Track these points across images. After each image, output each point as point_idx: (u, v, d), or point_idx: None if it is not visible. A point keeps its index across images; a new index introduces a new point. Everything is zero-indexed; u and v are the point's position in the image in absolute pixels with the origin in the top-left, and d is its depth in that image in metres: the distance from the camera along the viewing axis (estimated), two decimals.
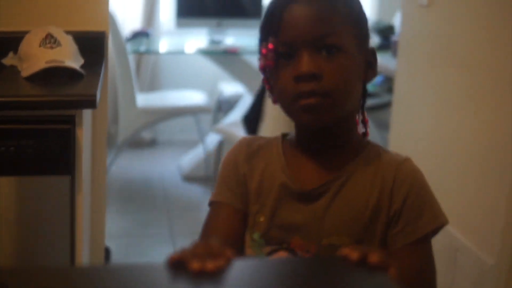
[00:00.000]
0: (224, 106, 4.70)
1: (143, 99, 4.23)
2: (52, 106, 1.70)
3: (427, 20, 2.63)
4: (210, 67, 4.62)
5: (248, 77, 4.15)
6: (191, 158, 4.69)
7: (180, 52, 4.47)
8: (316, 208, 1.12)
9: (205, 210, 3.84)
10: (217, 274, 0.78)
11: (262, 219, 1.16)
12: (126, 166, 4.65)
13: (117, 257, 3.11)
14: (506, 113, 2.09)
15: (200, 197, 4.34)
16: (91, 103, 1.70)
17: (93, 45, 2.18)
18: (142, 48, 4.24)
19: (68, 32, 2.10)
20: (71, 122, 1.71)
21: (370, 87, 4.29)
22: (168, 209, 4.09)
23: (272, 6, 1.12)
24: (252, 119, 3.32)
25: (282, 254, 1.13)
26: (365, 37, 1.15)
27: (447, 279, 2.37)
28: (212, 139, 4.42)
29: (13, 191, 1.79)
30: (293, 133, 1.20)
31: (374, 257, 0.85)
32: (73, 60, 1.99)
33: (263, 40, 1.11)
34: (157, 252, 3.30)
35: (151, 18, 4.77)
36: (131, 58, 4.07)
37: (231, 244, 1.13)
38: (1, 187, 1.78)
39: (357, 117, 1.18)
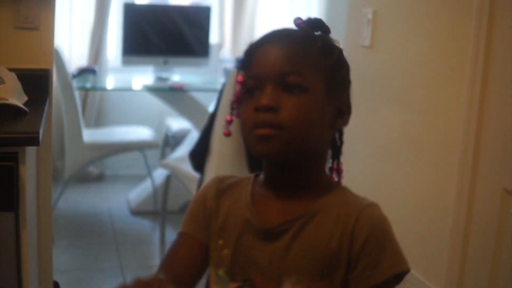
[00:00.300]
0: (171, 141, 4.73)
1: (90, 135, 4.24)
2: None
3: (370, 60, 2.69)
4: (156, 103, 4.66)
5: (194, 113, 4.20)
6: (139, 192, 4.70)
7: (127, 89, 4.51)
8: (276, 247, 1.14)
9: (154, 244, 3.84)
10: None
11: (226, 252, 1.18)
12: (74, 201, 4.63)
13: None
14: (446, 151, 2.17)
15: (149, 231, 4.34)
16: (34, 140, 1.73)
17: (37, 82, 2.22)
18: (88, 84, 4.26)
19: (12, 70, 2.12)
20: (14, 159, 1.73)
21: None
22: (117, 243, 4.08)
23: (250, 45, 1.17)
24: (199, 155, 3.36)
25: None
26: (340, 86, 1.17)
27: None
28: (160, 174, 4.44)
29: None
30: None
31: None
32: (17, 97, 2.02)
33: (238, 73, 1.17)
34: (107, 286, 3.30)
35: (98, 55, 4.80)
36: (77, 94, 4.09)
37: (189, 273, 1.19)
38: None
39: (333, 164, 1.22)
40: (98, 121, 5.02)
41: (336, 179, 1.23)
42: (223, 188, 1.23)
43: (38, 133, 1.73)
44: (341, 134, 1.22)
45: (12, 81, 2.06)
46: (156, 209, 4.42)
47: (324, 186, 1.18)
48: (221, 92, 3.27)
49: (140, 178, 4.90)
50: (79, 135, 4.02)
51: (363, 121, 2.67)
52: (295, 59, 1.11)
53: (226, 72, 4.25)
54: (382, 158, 2.57)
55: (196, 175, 3.50)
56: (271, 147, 1.10)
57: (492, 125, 2.06)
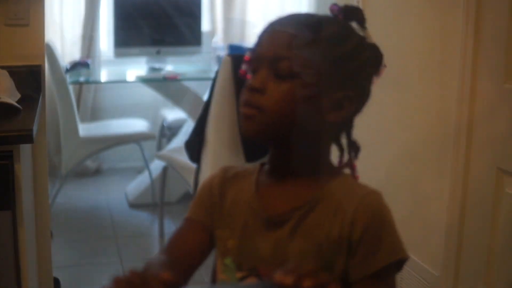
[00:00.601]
0: (167, 132, 4.74)
1: (86, 129, 4.24)
2: None
3: None
4: (151, 94, 4.66)
5: (189, 102, 4.20)
6: (137, 185, 4.71)
7: (121, 81, 4.50)
8: (280, 235, 1.14)
9: (153, 236, 3.85)
10: None
11: (232, 243, 1.19)
12: (72, 196, 4.64)
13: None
14: (440, 132, 2.19)
15: (148, 224, 4.36)
16: (28, 138, 1.73)
17: (29, 79, 2.21)
18: (82, 78, 4.26)
19: (3, 67, 2.12)
20: (9, 158, 1.73)
21: None
22: (116, 236, 4.09)
23: (263, 28, 1.18)
24: (194, 145, 3.36)
25: (252, 280, 1.15)
26: (343, 79, 1.16)
27: None
28: (157, 165, 4.44)
29: None
30: None
31: (307, 282, 0.88)
32: (10, 95, 2.02)
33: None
34: (108, 280, 3.31)
35: (90, 48, 4.79)
36: (72, 89, 4.08)
37: (191, 258, 1.20)
38: None
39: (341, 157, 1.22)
40: (94, 115, 5.02)
41: (353, 171, 1.23)
42: (229, 177, 1.24)
43: (31, 130, 1.73)
44: (349, 129, 1.22)
45: (4, 79, 2.06)
46: (154, 201, 4.44)
47: (327, 174, 1.19)
48: (214, 80, 3.27)
49: (137, 170, 4.91)
50: (75, 130, 4.02)
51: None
52: (290, 45, 1.11)
53: (219, 59, 4.24)
54: (379, 138, 2.59)
55: (192, 165, 3.51)
56: (251, 126, 1.13)
57: (485, 105, 2.06)
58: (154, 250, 3.94)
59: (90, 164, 5.10)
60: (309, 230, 1.14)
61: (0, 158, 1.74)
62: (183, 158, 3.58)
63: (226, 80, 3.14)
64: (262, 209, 1.17)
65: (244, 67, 1.18)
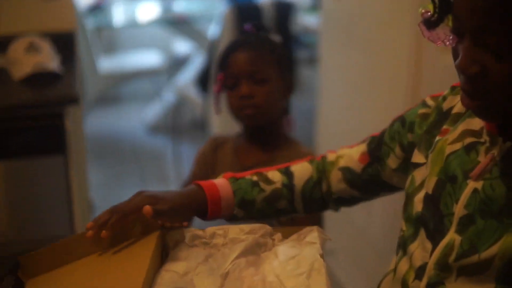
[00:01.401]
0: (177, 63, 5.19)
1: (104, 64, 4.70)
2: (46, 106, 2.27)
3: (340, 12, 3.03)
4: (162, 30, 5.10)
5: (197, 39, 4.64)
6: (153, 111, 5.19)
7: (134, 24, 4.91)
8: None
9: (168, 157, 4.36)
10: None
11: None
12: (94, 123, 5.10)
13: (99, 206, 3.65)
14: (400, 88, 2.57)
15: (164, 147, 4.84)
16: (75, 101, 2.26)
17: (64, 43, 2.70)
18: (99, 21, 4.68)
19: (42, 34, 2.59)
20: (60, 117, 2.27)
21: (307, 39, 4.79)
22: (137, 160, 4.62)
23: (224, 53, 1.72)
24: (203, 81, 3.86)
25: None
26: (285, 69, 1.73)
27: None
28: (170, 93, 4.94)
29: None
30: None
31: None
32: (53, 62, 2.51)
33: (218, 72, 1.73)
34: None
35: None
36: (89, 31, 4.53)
37: None
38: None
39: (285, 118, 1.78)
40: (111, 47, 5.47)
41: (289, 127, 1.79)
42: (216, 145, 1.82)
43: (77, 95, 2.25)
44: (287, 98, 1.79)
45: (48, 49, 2.53)
46: (168, 126, 4.93)
47: (281, 138, 1.77)
48: (221, 21, 3.75)
49: (151, 97, 5.38)
50: (95, 68, 4.49)
51: (336, 63, 3.11)
52: (258, 61, 1.68)
53: None
54: (352, 92, 3.01)
55: (199, 100, 4.01)
56: (254, 120, 1.70)
57: (430, 62, 2.43)
58: (170, 169, 4.43)
59: (109, 92, 5.57)
60: None
61: (53, 117, 2.27)
62: (193, 92, 4.08)
63: (231, 24, 3.63)
64: (239, 163, 1.73)
65: (218, 83, 1.71)
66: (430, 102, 1.25)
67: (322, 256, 1.11)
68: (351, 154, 1.38)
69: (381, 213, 2.70)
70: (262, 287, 1.05)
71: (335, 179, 1.38)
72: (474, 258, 1.00)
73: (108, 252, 1.16)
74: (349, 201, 1.41)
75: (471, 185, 1.05)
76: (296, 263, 1.09)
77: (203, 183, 1.29)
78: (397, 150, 1.30)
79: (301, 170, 1.39)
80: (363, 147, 1.38)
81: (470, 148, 1.09)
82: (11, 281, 1.16)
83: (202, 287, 1.03)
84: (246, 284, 1.05)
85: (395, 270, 1.21)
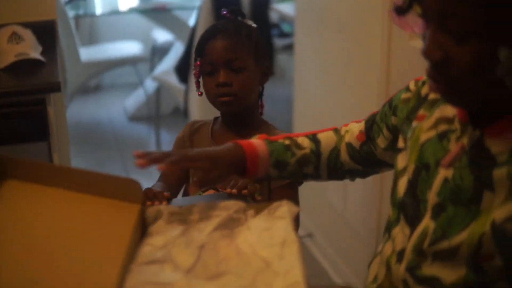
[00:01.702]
0: (158, 52, 5.24)
1: (86, 53, 4.73)
2: (29, 93, 2.32)
3: None
4: (142, 19, 5.14)
5: (177, 29, 4.68)
6: (134, 100, 5.24)
7: (115, 12, 4.93)
8: None
9: (150, 145, 4.41)
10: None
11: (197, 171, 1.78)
12: (76, 111, 5.16)
13: None
14: (373, 71, 2.64)
15: (145, 134, 4.92)
16: (57, 88, 2.32)
17: (45, 32, 2.75)
18: (80, 11, 4.71)
19: (22, 24, 2.63)
20: (42, 103, 2.32)
21: (287, 28, 4.86)
22: (118, 147, 4.67)
23: (201, 39, 1.73)
24: (182, 69, 3.92)
25: (211, 192, 1.71)
26: (262, 56, 1.73)
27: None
28: (151, 83, 4.99)
29: None
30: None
31: (245, 191, 1.44)
32: (35, 51, 2.56)
33: (195, 59, 1.74)
34: None
35: None
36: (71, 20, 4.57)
37: (175, 185, 1.77)
38: None
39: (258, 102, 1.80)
40: (92, 38, 5.52)
41: (261, 110, 1.82)
42: (194, 129, 1.83)
43: (59, 83, 2.31)
44: (262, 85, 1.81)
45: (30, 37, 2.58)
46: (150, 114, 4.99)
47: (257, 122, 1.79)
48: (199, 9, 3.81)
49: (134, 87, 5.42)
50: (77, 56, 4.52)
51: (312, 44, 3.17)
52: (234, 49, 1.68)
53: None
54: (326, 77, 3.07)
55: (181, 86, 4.07)
56: (231, 107, 1.72)
57: (401, 46, 2.49)
58: None
59: (91, 81, 5.60)
60: None
61: (35, 104, 2.32)
62: (173, 80, 4.13)
63: (208, 13, 3.69)
64: (215, 147, 1.76)
65: (196, 69, 1.72)
66: (412, 86, 1.30)
67: (294, 228, 1.17)
68: (353, 131, 1.48)
69: (359, 197, 2.77)
70: (237, 257, 1.12)
71: (343, 153, 1.48)
72: (445, 244, 1.06)
73: (92, 208, 1.22)
74: (359, 174, 1.51)
75: (442, 173, 1.10)
76: (269, 235, 1.16)
77: (242, 142, 1.40)
78: (385, 131, 1.37)
79: (327, 139, 1.49)
80: (362, 125, 1.47)
81: (442, 136, 1.14)
82: None
83: (179, 258, 1.10)
84: (221, 253, 1.12)
85: (381, 252, 1.28)
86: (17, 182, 1.24)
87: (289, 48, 4.54)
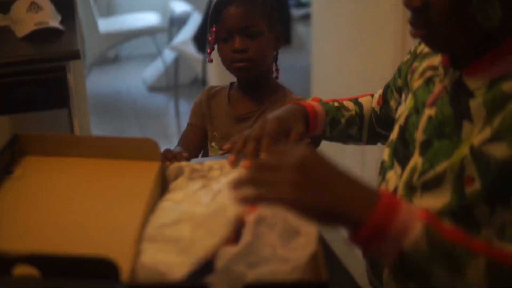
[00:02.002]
0: (176, 23, 5.26)
1: (104, 24, 4.77)
2: (49, 60, 2.36)
3: None
4: None
5: None
6: (153, 71, 5.28)
7: None
8: (245, 126, 1.75)
9: (169, 115, 4.47)
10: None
11: (216, 134, 1.82)
12: (94, 82, 5.23)
13: None
14: (389, 40, 2.66)
15: (164, 104, 4.97)
16: (76, 56, 2.35)
17: (63, 3, 2.78)
18: None
19: None
20: (63, 70, 2.36)
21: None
22: (137, 117, 4.73)
23: (217, 5, 1.74)
24: (200, 38, 3.94)
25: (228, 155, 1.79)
26: (276, 22, 1.77)
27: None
28: (169, 53, 5.02)
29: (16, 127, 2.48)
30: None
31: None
32: (54, 20, 2.60)
33: (211, 25, 1.75)
34: None
35: None
36: None
37: (195, 147, 1.84)
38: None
39: (273, 67, 1.83)
40: (109, 9, 5.54)
41: (277, 75, 1.85)
42: (211, 94, 1.87)
43: (78, 51, 2.34)
44: (276, 50, 1.83)
45: (48, 6, 2.62)
46: (169, 84, 5.03)
47: (272, 87, 1.82)
48: None
49: (152, 57, 5.46)
50: (95, 27, 4.56)
51: (329, 14, 3.19)
52: (250, 15, 1.71)
53: None
54: (343, 46, 3.09)
55: (199, 56, 4.10)
56: (246, 73, 1.75)
57: None
58: (172, 126, 4.57)
59: (109, 52, 5.66)
60: None
61: (55, 71, 2.36)
62: (191, 49, 4.16)
63: None
64: (232, 112, 1.80)
65: (211, 35, 1.75)
66: (412, 49, 1.39)
67: None
68: (376, 96, 1.57)
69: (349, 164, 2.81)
70: None
71: (372, 117, 1.56)
72: (431, 173, 1.12)
73: (111, 171, 1.26)
74: (385, 137, 1.55)
75: (427, 112, 1.18)
76: None
77: (301, 102, 1.47)
78: (395, 93, 1.47)
79: (368, 103, 1.57)
80: (381, 90, 1.55)
81: (429, 81, 1.23)
82: (8, 155, 1.23)
83: (197, 204, 1.13)
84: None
85: None
86: (36, 157, 1.28)
87: (306, 18, 4.55)
